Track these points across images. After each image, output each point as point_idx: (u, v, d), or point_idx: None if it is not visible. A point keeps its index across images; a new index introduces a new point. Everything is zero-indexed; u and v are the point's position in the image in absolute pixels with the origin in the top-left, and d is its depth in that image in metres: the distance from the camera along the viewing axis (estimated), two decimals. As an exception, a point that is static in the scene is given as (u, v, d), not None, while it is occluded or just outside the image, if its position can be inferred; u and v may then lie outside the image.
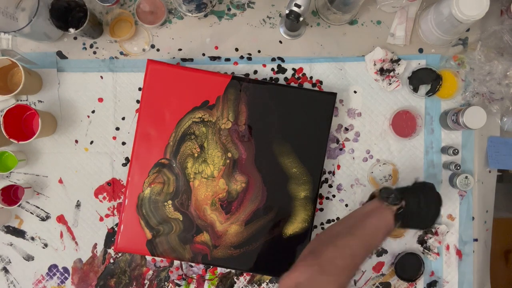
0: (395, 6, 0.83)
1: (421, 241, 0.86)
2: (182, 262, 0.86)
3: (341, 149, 0.86)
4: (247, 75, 0.86)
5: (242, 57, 0.86)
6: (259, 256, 0.80)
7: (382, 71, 0.84)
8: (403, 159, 0.86)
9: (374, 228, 0.65)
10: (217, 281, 0.86)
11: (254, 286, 0.86)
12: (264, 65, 0.86)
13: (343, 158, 0.86)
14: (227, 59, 0.86)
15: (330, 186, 0.86)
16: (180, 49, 0.86)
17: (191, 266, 0.86)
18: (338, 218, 0.86)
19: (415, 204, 0.69)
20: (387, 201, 0.67)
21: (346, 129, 0.86)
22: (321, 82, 0.86)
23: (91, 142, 0.86)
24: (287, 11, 0.70)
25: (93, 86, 0.86)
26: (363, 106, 0.86)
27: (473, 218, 0.87)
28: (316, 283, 0.57)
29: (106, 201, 0.86)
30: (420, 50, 0.86)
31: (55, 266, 0.86)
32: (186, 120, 0.80)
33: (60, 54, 0.86)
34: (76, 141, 0.86)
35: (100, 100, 0.86)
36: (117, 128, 0.86)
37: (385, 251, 0.86)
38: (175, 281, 0.86)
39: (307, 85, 0.86)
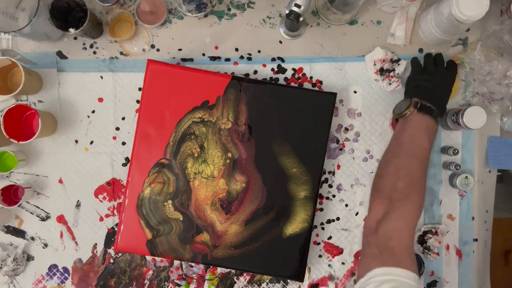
0: (395, 6, 0.83)
1: (421, 241, 0.86)
2: (182, 262, 0.86)
3: (341, 149, 0.86)
4: (247, 75, 0.86)
5: (242, 57, 0.86)
6: (259, 256, 0.81)
7: (382, 71, 0.84)
8: (403, 159, 0.86)
9: (411, 136, 0.69)
10: (217, 281, 0.86)
11: (254, 286, 0.86)
12: (264, 65, 0.86)
13: (343, 158, 0.86)
14: (227, 59, 0.86)
15: (330, 186, 0.86)
16: (180, 49, 0.86)
17: (191, 266, 0.86)
18: (338, 218, 0.86)
19: (424, 88, 0.75)
20: (405, 112, 0.71)
21: (346, 129, 0.86)
22: (321, 82, 0.86)
23: (91, 142, 0.86)
24: (287, 11, 0.70)
25: (93, 86, 0.86)
26: (363, 106, 0.86)
27: (473, 218, 0.87)
28: (391, 214, 0.62)
29: (106, 201, 0.86)
30: (420, 50, 0.86)
31: (55, 266, 0.86)
32: (186, 120, 0.80)
33: (60, 54, 0.86)
34: (76, 141, 0.86)
35: (100, 100, 0.86)
36: (117, 128, 0.86)
37: (385, 251, 0.86)
38: (175, 281, 0.86)
39: (307, 85, 0.86)
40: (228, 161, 0.81)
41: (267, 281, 0.86)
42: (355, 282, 0.85)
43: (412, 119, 0.70)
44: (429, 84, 0.75)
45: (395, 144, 0.71)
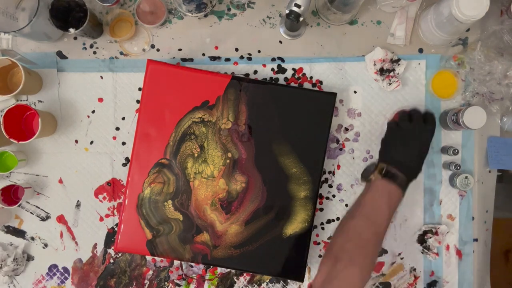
0: (395, 6, 0.83)
1: (421, 241, 0.86)
2: (182, 262, 0.86)
3: (341, 149, 0.86)
4: (247, 75, 0.86)
5: (242, 57, 0.86)
6: (259, 256, 0.81)
7: (382, 71, 0.84)
8: (403, 159, 0.86)
9: (371, 201, 0.68)
10: (217, 281, 0.86)
11: (254, 286, 0.86)
12: (264, 65, 0.86)
13: (343, 158, 0.86)
14: (227, 59, 0.86)
15: (330, 186, 0.86)
16: (180, 49, 0.86)
17: (191, 266, 0.86)
18: (338, 218, 0.86)
19: (393, 155, 0.72)
20: (369, 178, 0.70)
21: (346, 129, 0.86)
22: (321, 82, 0.86)
23: (91, 142, 0.86)
24: (287, 11, 0.70)
25: (93, 86, 0.86)
26: (363, 106, 0.86)
27: (473, 218, 0.87)
28: (335, 273, 0.60)
29: (106, 201, 0.86)
30: (420, 50, 0.86)
31: (55, 266, 0.86)
32: (186, 120, 0.81)
33: (60, 54, 0.86)
34: (76, 141, 0.86)
35: (100, 100, 0.86)
36: (117, 128, 0.86)
37: (385, 251, 0.86)
38: (175, 281, 0.86)
39: (307, 85, 0.86)
40: (228, 161, 0.81)
41: (267, 281, 0.86)
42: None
43: (376, 184, 0.69)
44: (402, 148, 0.72)
45: (354, 206, 0.69)
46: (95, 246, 0.86)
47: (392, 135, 0.75)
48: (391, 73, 0.84)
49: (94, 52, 0.86)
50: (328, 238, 0.86)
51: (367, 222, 0.65)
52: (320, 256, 0.86)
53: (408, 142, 0.72)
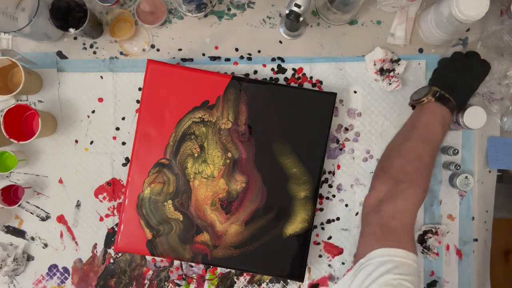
0: (395, 6, 0.83)
1: (421, 241, 0.86)
2: (182, 262, 0.86)
3: (341, 149, 0.86)
4: (247, 75, 0.86)
5: (242, 57, 0.86)
6: (259, 256, 0.81)
7: (382, 71, 0.84)
8: (403, 159, 0.86)
9: (426, 123, 0.68)
10: (217, 281, 0.86)
11: (254, 286, 0.86)
12: (264, 65, 0.86)
13: (343, 158, 0.86)
14: (227, 59, 0.86)
15: (330, 186, 0.86)
16: (180, 49, 0.86)
17: (191, 266, 0.86)
18: (338, 218, 0.86)
19: (447, 81, 0.71)
20: (422, 99, 0.70)
21: (346, 129, 0.86)
22: (321, 82, 0.86)
23: (91, 142, 0.86)
24: (287, 11, 0.70)
25: (93, 86, 0.86)
26: (363, 106, 0.86)
27: (473, 218, 0.87)
28: (396, 194, 0.61)
29: (106, 201, 0.86)
30: (420, 50, 0.86)
31: (55, 266, 0.86)
32: (186, 120, 0.81)
33: (60, 54, 0.86)
34: (76, 141, 0.86)
35: (100, 100, 0.86)
36: (117, 128, 0.86)
37: (385, 251, 0.86)
38: (175, 281, 0.86)
39: (307, 85, 0.86)
40: (228, 161, 0.81)
41: (267, 281, 0.86)
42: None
43: (428, 107, 0.69)
44: (455, 76, 0.72)
45: (408, 128, 0.69)
46: (95, 246, 0.86)
47: (449, 63, 0.75)
48: (391, 73, 0.84)
49: (94, 52, 0.86)
50: (329, 238, 0.86)
51: (424, 145, 0.65)
52: (320, 256, 0.86)
53: (463, 72, 0.72)
